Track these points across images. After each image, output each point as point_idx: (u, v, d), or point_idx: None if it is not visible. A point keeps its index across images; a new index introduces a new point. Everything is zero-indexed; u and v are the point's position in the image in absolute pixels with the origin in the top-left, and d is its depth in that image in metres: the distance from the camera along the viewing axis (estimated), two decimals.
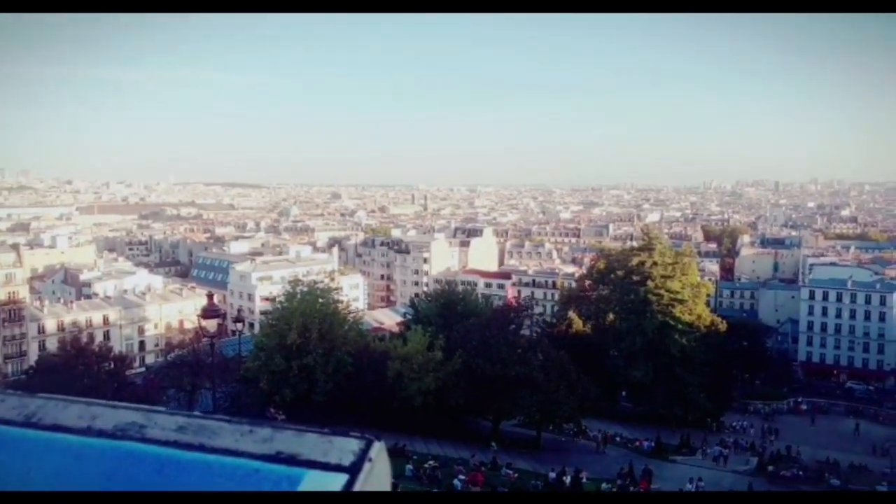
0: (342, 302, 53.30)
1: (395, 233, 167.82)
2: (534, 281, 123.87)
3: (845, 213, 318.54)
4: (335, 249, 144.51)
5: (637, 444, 54.71)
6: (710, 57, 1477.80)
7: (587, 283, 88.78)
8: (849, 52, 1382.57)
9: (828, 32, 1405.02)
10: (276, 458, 1.21)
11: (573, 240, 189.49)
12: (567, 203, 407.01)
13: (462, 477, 35.02)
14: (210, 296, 28.30)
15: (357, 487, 1.14)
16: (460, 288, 71.81)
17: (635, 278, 70.58)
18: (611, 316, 76.12)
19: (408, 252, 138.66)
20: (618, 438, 56.57)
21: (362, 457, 1.21)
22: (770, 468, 46.77)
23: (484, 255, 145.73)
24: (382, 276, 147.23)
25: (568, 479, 35.84)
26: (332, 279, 66.24)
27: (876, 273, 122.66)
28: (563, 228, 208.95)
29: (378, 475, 1.20)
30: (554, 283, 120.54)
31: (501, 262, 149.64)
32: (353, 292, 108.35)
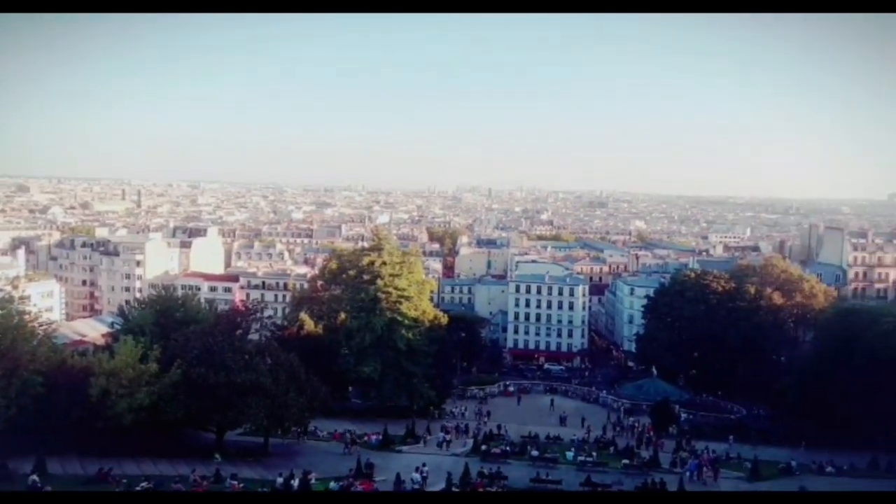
0: (29, 313, 45.79)
1: (101, 232, 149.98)
2: (264, 283, 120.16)
3: (544, 217, 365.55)
4: (21, 252, 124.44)
5: (366, 438, 55.97)
6: (427, 62, 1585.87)
7: (320, 283, 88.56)
8: (540, 66, 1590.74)
9: (535, 39, 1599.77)
10: None
11: (306, 240, 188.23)
12: (299, 203, 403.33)
13: None
14: None
15: None
16: (180, 293, 66.72)
17: (366, 277, 72.31)
18: (342, 315, 76.93)
19: (117, 254, 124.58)
20: (347, 435, 57.24)
21: None
22: (483, 447, 51.34)
23: (208, 256, 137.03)
24: (85, 282, 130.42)
25: (296, 483, 35.25)
26: (16, 287, 56.71)
27: (566, 269, 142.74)
28: (295, 229, 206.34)
29: None
30: (285, 285, 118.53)
31: (228, 265, 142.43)
32: (46, 301, 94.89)
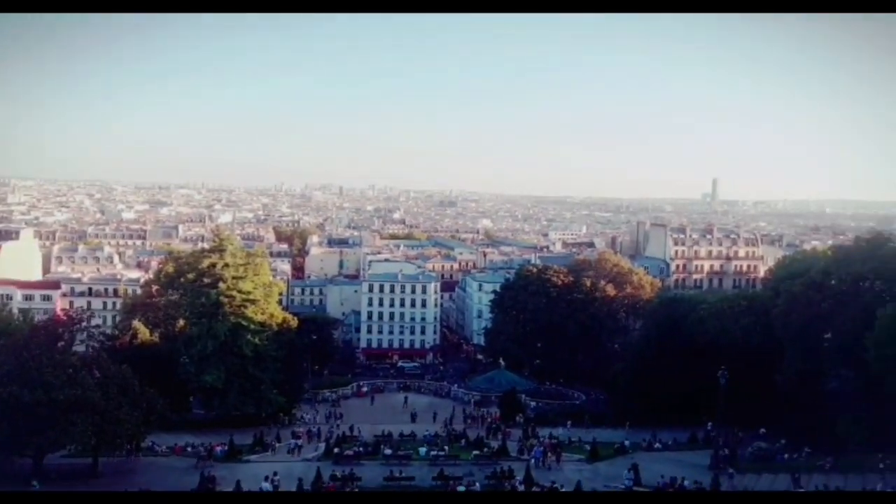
0: None
1: None
2: (90, 290, 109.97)
3: (396, 215, 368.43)
4: None
5: (211, 449, 52.92)
6: (275, 59, 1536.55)
7: (155, 288, 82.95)
8: (415, 66, 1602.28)
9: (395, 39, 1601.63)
10: None
11: (138, 242, 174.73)
12: (131, 202, 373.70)
13: None
14: None
15: None
16: None
17: (207, 281, 68.38)
18: (181, 322, 72.45)
19: None
20: (189, 448, 53.86)
21: None
22: (336, 450, 50.49)
23: (22, 261, 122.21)
24: None
25: None
26: None
27: (419, 267, 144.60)
28: (126, 230, 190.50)
29: None
30: (116, 291, 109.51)
31: (47, 270, 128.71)
32: None
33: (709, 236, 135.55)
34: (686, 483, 38.02)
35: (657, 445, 54.73)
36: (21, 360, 42.20)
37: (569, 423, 66.92)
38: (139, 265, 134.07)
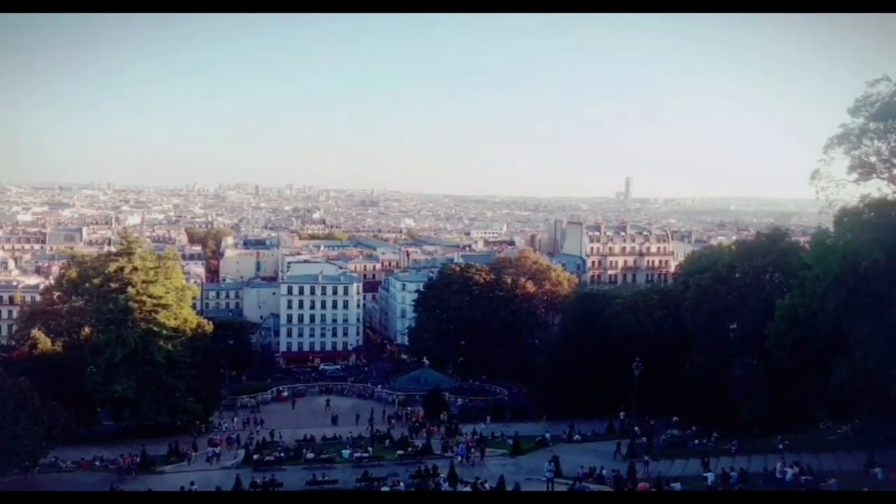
0: None
1: None
2: None
3: (316, 215, 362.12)
4: None
5: (122, 463, 50.39)
6: (185, 57, 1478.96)
7: (56, 294, 78.68)
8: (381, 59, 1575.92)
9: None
10: None
11: (37, 246, 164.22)
12: (27, 203, 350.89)
13: None
14: None
15: None
16: None
17: (114, 286, 65.00)
18: (87, 329, 68.88)
19: None
20: (97, 463, 51.08)
21: None
22: (256, 457, 49.13)
23: None
24: None
25: None
26: None
27: (340, 268, 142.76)
28: (22, 233, 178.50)
29: None
30: (12, 299, 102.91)
31: None
32: None
33: (622, 233, 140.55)
34: (604, 472, 39.22)
35: (576, 437, 56.25)
36: None
37: (488, 418, 67.85)
38: (38, 270, 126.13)
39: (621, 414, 62.24)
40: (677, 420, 62.19)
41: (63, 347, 67.01)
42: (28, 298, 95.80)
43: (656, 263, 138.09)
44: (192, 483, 37.04)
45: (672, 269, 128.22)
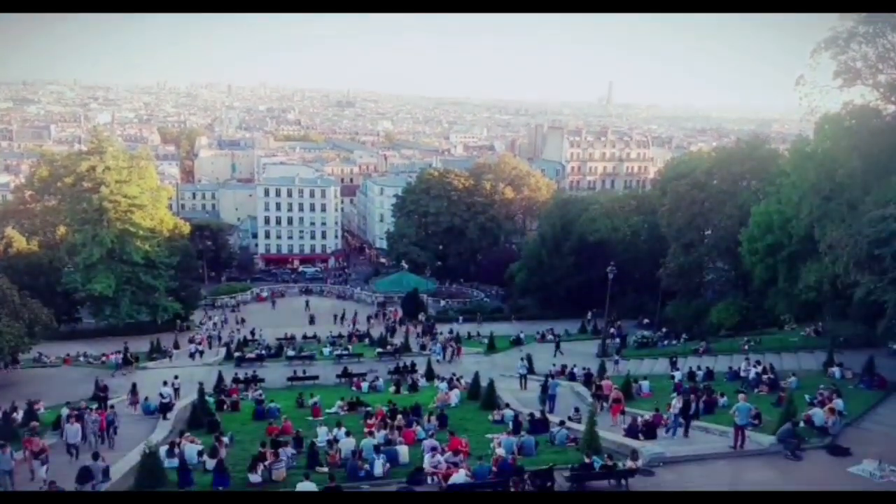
0: None
1: None
2: None
3: (291, 116, 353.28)
4: None
5: (104, 359, 51.26)
6: None
7: (28, 193, 77.54)
8: None
9: None
10: None
11: (4, 143, 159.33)
12: None
13: None
14: None
15: None
16: None
17: (87, 185, 63.78)
18: (62, 229, 68.25)
19: None
20: (81, 358, 51.91)
21: None
22: (237, 354, 50.10)
23: None
24: None
25: (20, 414, 31.22)
26: None
27: (317, 171, 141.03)
28: None
29: None
30: None
31: None
32: None
33: (603, 139, 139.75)
34: (576, 370, 40.82)
35: (549, 338, 57.99)
36: None
37: (460, 318, 69.12)
38: (7, 168, 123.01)
39: (589, 314, 64.24)
40: (648, 322, 64.35)
41: (39, 246, 66.36)
42: (0, 197, 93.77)
43: (636, 170, 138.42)
44: (175, 377, 37.67)
45: (651, 175, 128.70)
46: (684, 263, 58.35)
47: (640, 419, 25.19)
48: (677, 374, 37.34)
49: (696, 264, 59.79)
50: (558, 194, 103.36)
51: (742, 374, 35.75)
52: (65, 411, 27.99)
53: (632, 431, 23.94)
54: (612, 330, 55.00)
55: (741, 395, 22.97)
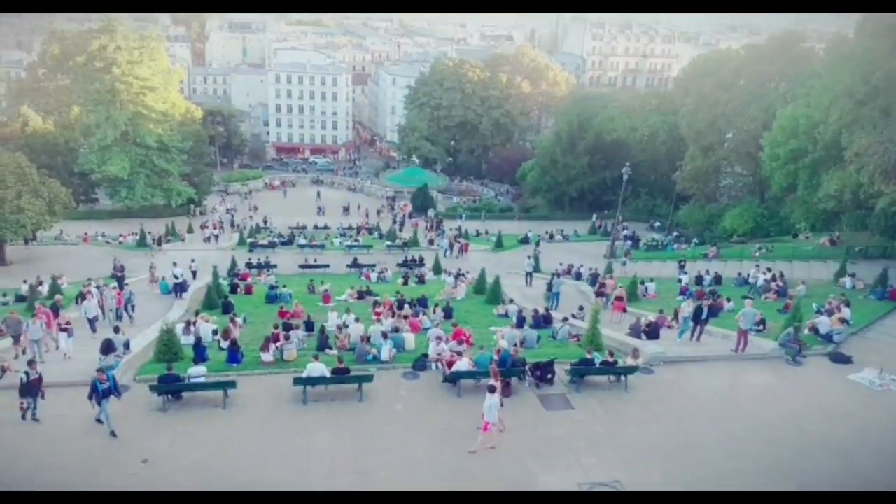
0: None
1: None
2: None
3: None
4: None
5: (122, 239, 52.34)
6: None
7: (41, 72, 76.63)
8: None
9: None
10: None
11: (15, 19, 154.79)
12: None
13: None
14: None
15: None
16: None
17: (98, 65, 62.59)
18: (76, 109, 67.80)
19: None
20: (99, 237, 53.02)
21: None
22: (250, 240, 50.80)
23: None
24: None
25: (45, 288, 32.33)
26: None
27: (329, 57, 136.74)
28: None
29: None
30: None
31: None
32: None
33: (627, 32, 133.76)
34: (582, 269, 41.08)
35: (558, 237, 58.16)
36: None
37: (463, 215, 68.82)
38: (19, 45, 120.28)
39: (594, 216, 64.02)
40: (659, 225, 64.20)
41: (54, 126, 66.20)
42: (13, 74, 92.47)
43: (659, 66, 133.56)
44: (192, 260, 38.41)
45: (675, 73, 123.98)
46: (702, 167, 57.41)
47: (643, 319, 25.57)
48: (684, 278, 37.42)
49: (714, 168, 58.85)
50: (577, 90, 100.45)
51: (751, 280, 35.83)
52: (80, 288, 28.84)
53: (635, 331, 24.36)
54: (624, 232, 54.90)
55: (748, 301, 23.03)
